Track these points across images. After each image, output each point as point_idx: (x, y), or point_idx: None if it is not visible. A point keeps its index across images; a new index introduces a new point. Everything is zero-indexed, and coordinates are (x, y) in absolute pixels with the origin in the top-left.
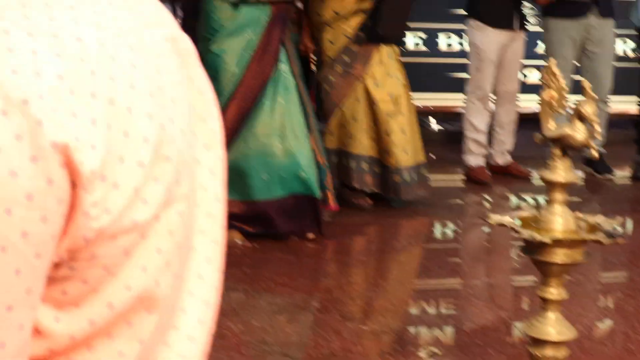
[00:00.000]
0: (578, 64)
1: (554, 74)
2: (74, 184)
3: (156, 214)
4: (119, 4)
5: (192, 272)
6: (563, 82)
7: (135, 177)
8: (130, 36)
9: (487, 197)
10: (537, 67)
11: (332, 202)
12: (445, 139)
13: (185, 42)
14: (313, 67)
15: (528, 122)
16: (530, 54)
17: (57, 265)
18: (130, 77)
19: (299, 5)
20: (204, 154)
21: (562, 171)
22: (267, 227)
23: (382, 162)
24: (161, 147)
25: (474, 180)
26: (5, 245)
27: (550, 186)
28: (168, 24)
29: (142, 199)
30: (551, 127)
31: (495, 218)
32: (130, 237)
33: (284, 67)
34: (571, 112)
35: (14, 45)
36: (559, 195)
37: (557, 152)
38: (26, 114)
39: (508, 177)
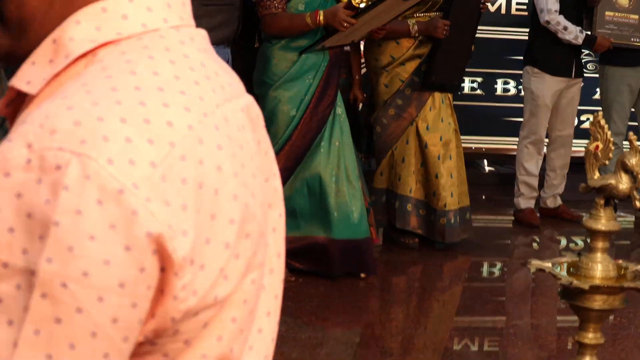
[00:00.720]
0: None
1: (601, 126)
2: (163, 269)
3: (235, 287)
4: (202, 81)
5: (254, 326)
6: (609, 134)
7: (221, 258)
8: (215, 115)
9: (535, 239)
10: (593, 113)
11: (374, 236)
12: (496, 180)
13: (255, 107)
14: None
15: (581, 166)
16: (587, 100)
17: (141, 344)
18: (217, 159)
19: (347, 49)
20: (268, 213)
21: (605, 220)
22: (312, 265)
23: (428, 204)
24: (244, 225)
25: (523, 222)
26: (96, 331)
27: (592, 234)
28: (241, 91)
29: (224, 276)
30: (595, 177)
31: (536, 263)
32: (211, 311)
33: (340, 110)
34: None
35: (109, 132)
36: (600, 243)
37: (600, 201)
38: (121, 203)
39: (558, 220)
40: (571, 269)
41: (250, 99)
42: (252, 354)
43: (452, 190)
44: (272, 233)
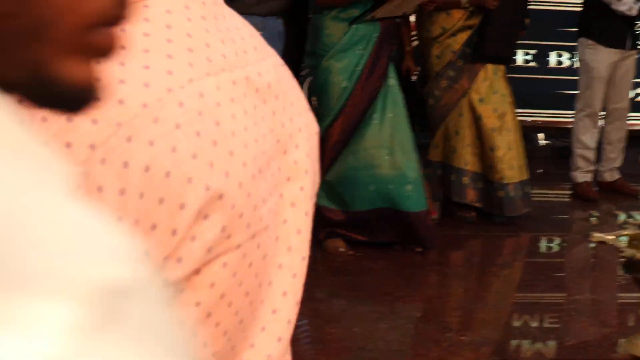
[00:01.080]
0: None
1: None
2: None
3: (195, 269)
4: (178, 54)
5: (266, 307)
6: None
7: (167, 245)
8: (183, 91)
9: (593, 213)
10: None
11: (431, 209)
12: (552, 154)
13: (266, 76)
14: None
15: (638, 140)
16: None
17: None
18: (172, 140)
19: (397, 21)
20: (285, 186)
21: None
22: (370, 237)
23: (486, 177)
24: (203, 208)
25: (581, 196)
26: None
27: None
28: (247, 61)
29: (177, 258)
30: None
31: (598, 236)
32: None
33: (392, 81)
34: None
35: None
36: None
37: None
38: None
39: (616, 194)
40: (634, 242)
41: (260, 68)
42: (263, 335)
43: (512, 163)
44: (291, 208)
